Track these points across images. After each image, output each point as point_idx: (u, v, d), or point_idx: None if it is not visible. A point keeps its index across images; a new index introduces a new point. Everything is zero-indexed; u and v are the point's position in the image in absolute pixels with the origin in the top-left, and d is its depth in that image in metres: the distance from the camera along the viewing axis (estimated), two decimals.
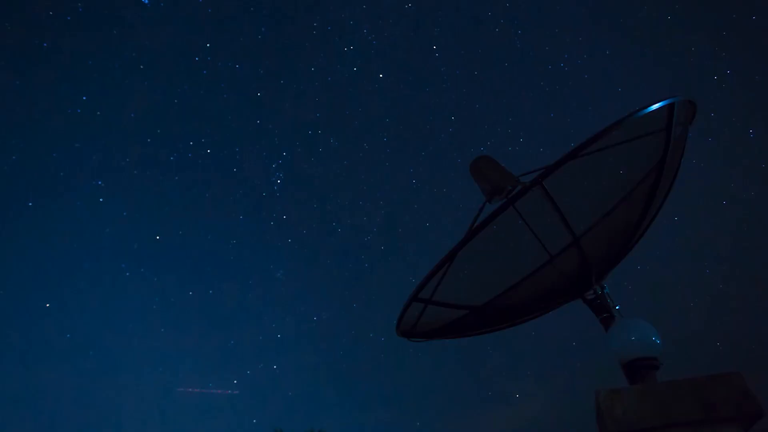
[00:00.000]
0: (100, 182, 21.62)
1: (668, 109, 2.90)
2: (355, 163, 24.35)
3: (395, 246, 24.50)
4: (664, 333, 2.66)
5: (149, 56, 21.77)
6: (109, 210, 22.30)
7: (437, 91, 23.60)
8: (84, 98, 20.59)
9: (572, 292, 3.31)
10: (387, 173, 24.70)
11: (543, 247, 3.39)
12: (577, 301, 3.30)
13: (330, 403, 23.24)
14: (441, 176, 24.48)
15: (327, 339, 24.42)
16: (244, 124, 23.57)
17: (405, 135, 25.14)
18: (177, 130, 23.24)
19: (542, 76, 22.56)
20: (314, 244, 24.46)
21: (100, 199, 21.75)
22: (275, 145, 23.73)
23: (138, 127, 22.26)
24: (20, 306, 20.83)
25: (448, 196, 24.01)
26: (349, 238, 24.43)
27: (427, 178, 24.50)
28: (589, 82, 22.13)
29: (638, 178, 3.24)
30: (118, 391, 21.77)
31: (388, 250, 24.40)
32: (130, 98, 21.86)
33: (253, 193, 23.89)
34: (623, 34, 21.35)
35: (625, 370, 2.62)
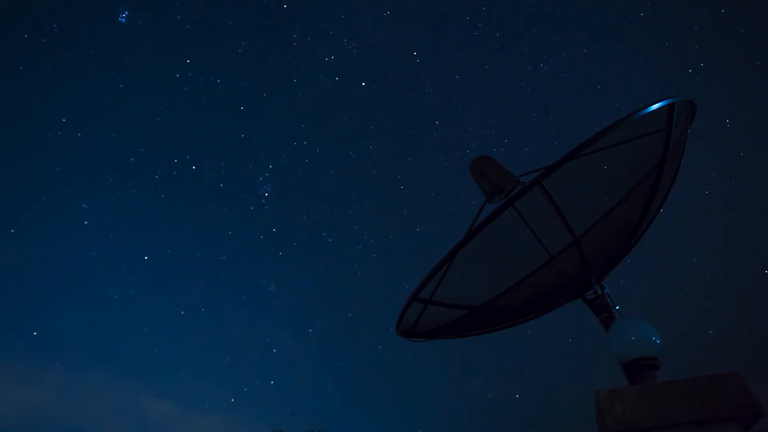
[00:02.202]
0: (84, 205, 21.14)
1: (668, 109, 2.90)
2: (342, 172, 24.30)
3: (387, 253, 24.45)
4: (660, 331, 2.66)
5: (129, 75, 21.48)
6: (94, 233, 21.93)
7: (420, 96, 23.61)
8: (63, 120, 20.28)
9: (572, 292, 3.31)
10: (375, 180, 24.67)
11: (543, 247, 3.39)
12: (577, 301, 3.30)
13: (329, 415, 23.20)
14: (429, 181, 24.55)
15: (324, 350, 24.34)
16: (229, 139, 23.34)
17: (391, 141, 25.17)
18: (161, 147, 22.97)
19: (523, 76, 22.74)
20: (305, 255, 24.29)
21: (85, 222, 21.31)
22: (261, 158, 23.53)
23: (121, 146, 21.92)
24: (8, 335, 20.50)
25: (438, 200, 24.10)
26: (341, 247, 24.32)
27: (416, 184, 24.51)
28: (568, 80, 22.38)
29: (638, 178, 3.24)
30: (113, 416, 21.57)
31: (380, 258, 24.33)
32: (112, 118, 21.51)
33: (241, 207, 23.60)
34: (599, 32, 21.68)
35: (625, 370, 2.62)
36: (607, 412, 2.11)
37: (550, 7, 21.78)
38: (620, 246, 3.45)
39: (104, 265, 22.39)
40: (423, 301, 3.50)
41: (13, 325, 20.57)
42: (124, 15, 20.41)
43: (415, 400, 24.20)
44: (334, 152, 24.13)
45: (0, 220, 20.37)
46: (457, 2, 22.38)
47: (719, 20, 19.39)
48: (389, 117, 24.38)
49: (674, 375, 2.23)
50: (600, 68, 21.90)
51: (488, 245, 3.24)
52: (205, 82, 22.05)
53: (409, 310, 3.56)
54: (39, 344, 20.51)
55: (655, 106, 2.73)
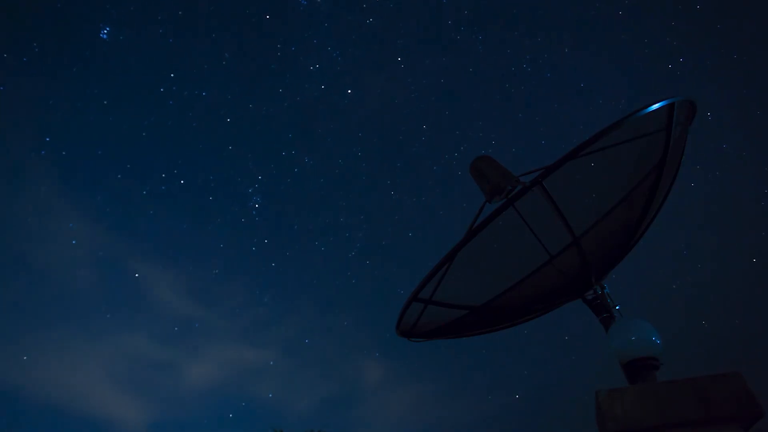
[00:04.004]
0: (71, 225, 21.15)
1: (668, 110, 2.90)
2: (331, 181, 24.48)
3: (380, 259, 24.55)
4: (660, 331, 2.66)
5: (112, 91, 21.37)
6: (83, 252, 21.87)
7: (406, 101, 23.74)
8: (47, 139, 20.18)
9: (572, 292, 3.31)
10: (365, 187, 24.85)
11: (543, 247, 3.39)
12: (577, 301, 3.30)
13: (329, 421, 23.19)
14: (418, 185, 24.69)
15: (320, 362, 24.45)
16: (216, 152, 23.40)
17: (379, 148, 25.31)
18: (147, 163, 22.96)
19: (506, 78, 23.06)
20: (299, 265, 24.34)
21: (73, 242, 21.26)
22: (249, 170, 23.57)
23: (106, 164, 21.90)
24: None
25: (428, 204, 24.25)
26: (334, 256, 24.41)
27: (405, 189, 24.65)
28: (551, 80, 22.66)
29: (638, 178, 3.24)
30: None
31: (374, 264, 24.44)
32: (96, 135, 21.42)
33: (231, 220, 23.62)
34: (579, 32, 21.90)
35: (625, 370, 2.62)
36: (607, 411, 2.11)
37: (530, 9, 22.07)
38: (620, 246, 3.46)
39: (94, 286, 22.38)
40: (423, 301, 3.50)
41: (2, 354, 20.26)
42: (105, 31, 20.25)
43: (414, 403, 24.27)
44: (322, 160, 24.27)
45: None
46: (438, 7, 22.56)
47: (695, 16, 19.73)
48: (376, 123, 24.58)
49: (674, 375, 2.23)
50: (582, 67, 22.29)
51: (488, 245, 3.23)
52: (190, 95, 22.04)
53: (409, 310, 3.56)
54: (30, 370, 20.28)
55: (655, 106, 2.72)
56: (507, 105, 23.62)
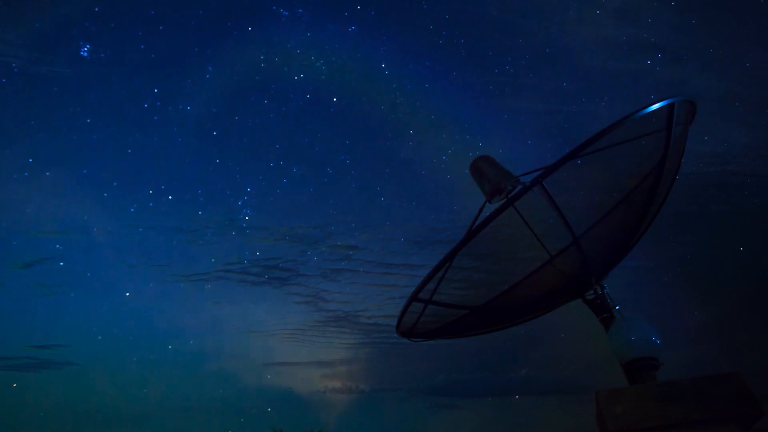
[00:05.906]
0: (57, 246, 21.03)
1: (668, 109, 2.89)
2: (321, 189, 24.51)
3: (373, 265, 24.42)
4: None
5: (96, 108, 21.27)
6: (71, 273, 21.77)
7: (392, 106, 23.62)
8: (30, 160, 20.04)
9: (572, 292, 3.31)
10: (354, 194, 24.83)
11: (543, 247, 3.38)
12: (577, 301, 3.30)
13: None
14: (408, 190, 24.70)
15: (318, 370, 24.53)
16: (204, 165, 23.40)
17: (367, 154, 25.48)
18: (134, 179, 22.97)
19: (491, 80, 23.16)
20: (293, 275, 24.15)
21: (61, 263, 21.17)
22: (238, 182, 23.56)
23: (92, 182, 21.80)
24: None
25: (418, 209, 24.28)
26: (327, 263, 24.29)
27: (395, 194, 24.80)
28: (535, 80, 22.78)
29: (638, 178, 3.23)
30: None
31: (368, 270, 24.33)
32: (81, 154, 21.35)
33: (222, 233, 23.44)
34: (560, 31, 22.00)
35: (625, 370, 2.62)
36: (607, 412, 2.11)
37: (510, 12, 22.22)
38: (620, 246, 3.45)
39: (85, 305, 22.33)
40: (423, 301, 3.49)
41: None
42: (86, 49, 20.10)
43: (414, 404, 24.34)
44: (311, 170, 24.33)
45: None
46: (419, 12, 22.67)
47: (673, 13, 19.90)
48: (363, 130, 24.68)
49: (674, 375, 2.23)
50: (565, 66, 22.36)
51: (488, 245, 3.23)
52: (175, 110, 21.92)
53: (410, 310, 3.55)
54: (22, 392, 20.45)
55: (655, 106, 2.72)
56: (492, 106, 23.90)
